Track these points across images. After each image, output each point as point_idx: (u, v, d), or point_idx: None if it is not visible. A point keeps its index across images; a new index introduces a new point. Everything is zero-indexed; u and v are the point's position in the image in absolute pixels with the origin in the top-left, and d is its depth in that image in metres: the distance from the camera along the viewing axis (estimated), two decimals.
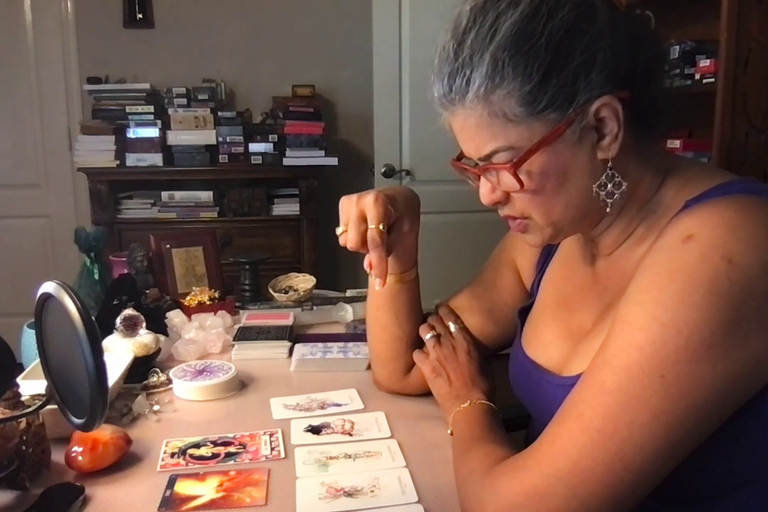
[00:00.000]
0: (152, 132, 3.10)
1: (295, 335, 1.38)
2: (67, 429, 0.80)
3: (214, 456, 0.91)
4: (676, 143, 2.20)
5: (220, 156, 3.13)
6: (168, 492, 0.82)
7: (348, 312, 1.49)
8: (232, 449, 0.93)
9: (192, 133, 3.11)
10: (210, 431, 0.99)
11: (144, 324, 1.23)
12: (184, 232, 2.53)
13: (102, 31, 3.30)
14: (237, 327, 1.41)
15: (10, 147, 3.36)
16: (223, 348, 1.34)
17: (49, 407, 0.75)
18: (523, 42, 0.67)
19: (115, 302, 1.34)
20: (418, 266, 1.05)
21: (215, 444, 0.94)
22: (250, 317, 1.47)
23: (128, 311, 1.23)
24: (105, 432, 0.87)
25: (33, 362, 1.09)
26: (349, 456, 0.90)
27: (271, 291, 1.63)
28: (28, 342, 1.22)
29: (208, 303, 1.51)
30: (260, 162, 3.16)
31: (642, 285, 0.67)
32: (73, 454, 0.85)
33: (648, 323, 0.64)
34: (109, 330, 1.21)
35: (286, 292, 1.62)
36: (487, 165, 0.74)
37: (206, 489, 0.83)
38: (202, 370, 1.16)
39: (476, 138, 0.73)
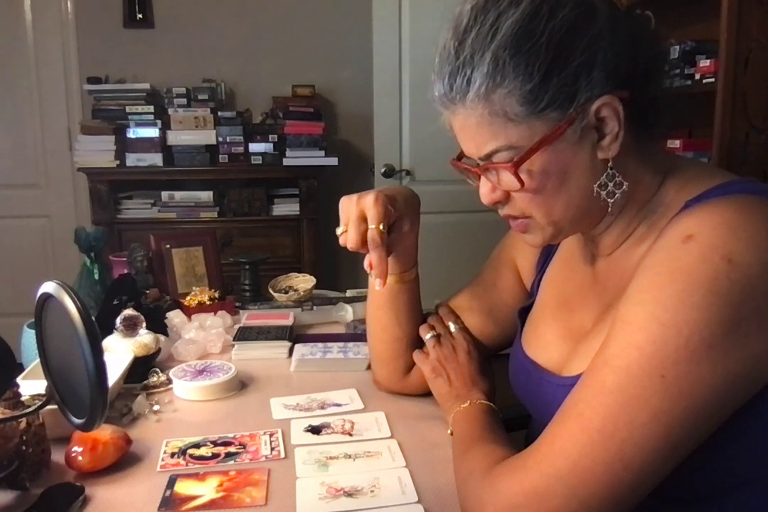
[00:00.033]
0: (152, 132, 3.10)
1: (295, 335, 1.38)
2: (67, 429, 0.80)
3: (214, 456, 0.91)
4: (676, 143, 2.20)
5: (220, 156, 3.13)
6: (168, 492, 0.82)
7: (348, 312, 1.49)
8: (232, 449, 0.93)
9: (192, 133, 3.11)
10: (210, 431, 0.99)
11: (144, 324, 1.23)
12: (184, 232, 2.53)
13: (102, 31, 3.31)
14: (237, 327, 1.41)
15: (10, 147, 3.36)
16: (223, 348, 1.34)
17: (49, 407, 0.75)
18: (524, 41, 0.67)
19: (115, 302, 1.34)
20: (418, 266, 1.05)
21: (215, 444, 0.94)
22: (250, 317, 1.47)
23: (128, 311, 1.23)
24: (105, 432, 0.87)
25: (33, 362, 1.09)
26: (349, 456, 0.90)
27: (271, 291, 1.63)
28: (28, 342, 1.22)
29: (208, 303, 1.51)
30: (260, 162, 3.16)
31: (642, 285, 0.67)
32: (73, 454, 0.85)
33: (648, 323, 0.64)
34: (109, 330, 1.21)
35: (286, 292, 1.62)
36: (488, 164, 0.74)
37: (206, 489, 0.83)
38: (202, 370, 1.16)
39: (477, 137, 0.73)
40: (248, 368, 1.23)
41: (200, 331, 1.35)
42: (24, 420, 0.82)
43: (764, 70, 1.89)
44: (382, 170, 3.24)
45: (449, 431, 0.91)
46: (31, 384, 0.92)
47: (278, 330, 1.36)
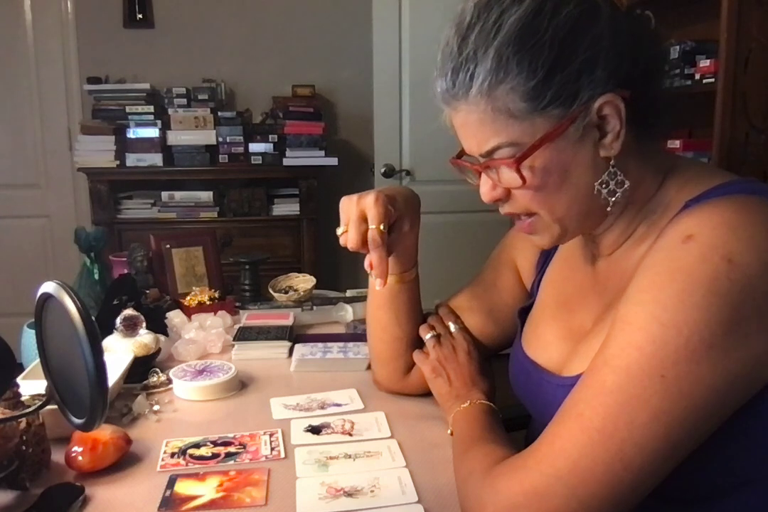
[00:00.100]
0: (152, 132, 3.10)
1: (295, 335, 1.38)
2: (67, 429, 0.80)
3: (214, 456, 0.91)
4: (676, 143, 2.20)
5: (220, 156, 3.13)
6: (168, 492, 0.82)
7: (348, 312, 1.49)
8: (232, 449, 0.93)
9: (192, 133, 3.11)
10: (210, 431, 0.99)
11: (144, 324, 1.23)
12: (184, 232, 2.53)
13: (102, 31, 3.31)
14: (237, 327, 1.41)
15: (10, 147, 3.36)
16: (223, 348, 1.34)
17: (49, 407, 0.75)
18: (527, 38, 0.67)
19: (115, 302, 1.34)
20: (418, 266, 1.05)
21: (215, 444, 0.94)
22: (250, 317, 1.47)
23: (128, 311, 1.23)
24: (105, 432, 0.87)
25: (33, 362, 1.09)
26: (349, 456, 0.90)
27: (271, 291, 1.63)
28: (28, 342, 1.22)
29: (208, 303, 1.51)
30: (260, 162, 3.16)
31: (642, 285, 0.67)
32: (73, 454, 0.85)
33: (648, 323, 0.64)
34: (109, 330, 1.21)
35: (286, 292, 1.62)
36: (489, 161, 0.74)
37: (206, 489, 0.83)
38: (202, 370, 1.16)
39: (479, 134, 0.73)
40: (248, 368, 1.23)
41: (200, 331, 1.35)
42: (24, 420, 0.82)
43: (764, 70, 1.89)
44: (382, 170, 3.24)
45: (449, 431, 0.91)
46: (31, 384, 0.92)
47: (278, 330, 1.36)
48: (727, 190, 0.70)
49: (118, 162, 3.07)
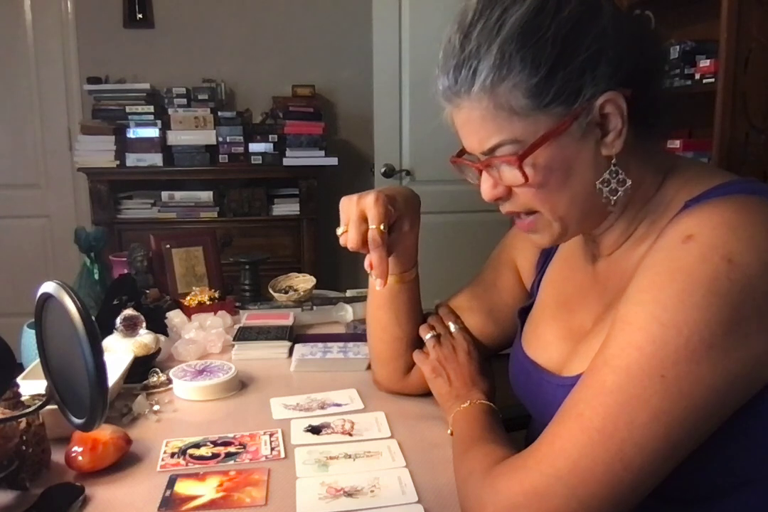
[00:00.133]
0: (152, 132, 3.10)
1: (295, 335, 1.38)
2: (67, 429, 0.80)
3: (214, 456, 0.91)
4: (676, 143, 2.20)
5: (220, 156, 3.13)
6: (168, 492, 0.82)
7: (348, 312, 1.49)
8: (232, 449, 0.93)
9: (192, 133, 3.11)
10: (210, 431, 0.99)
11: (144, 324, 1.23)
12: (184, 232, 2.53)
13: (102, 31, 3.31)
14: (237, 327, 1.41)
15: (10, 147, 3.36)
16: (223, 348, 1.34)
17: (49, 407, 0.75)
18: (530, 35, 0.68)
19: (115, 302, 1.34)
20: (418, 266, 1.05)
21: (215, 444, 0.94)
22: (250, 317, 1.47)
23: (128, 311, 1.23)
24: (105, 432, 0.87)
25: (33, 362, 1.09)
26: (349, 456, 0.90)
27: (271, 291, 1.63)
28: (28, 342, 1.22)
29: (208, 303, 1.51)
30: (260, 162, 3.16)
31: (642, 285, 0.67)
32: (73, 454, 0.85)
33: (648, 323, 0.64)
34: (109, 330, 1.21)
35: (286, 292, 1.62)
36: (491, 159, 0.74)
37: (206, 489, 0.83)
38: (202, 370, 1.16)
39: (481, 131, 0.72)
40: (248, 368, 1.23)
41: (200, 331, 1.35)
42: (24, 420, 0.82)
43: (764, 70, 1.89)
44: (382, 170, 3.24)
45: (449, 431, 0.91)
46: (31, 384, 0.92)
47: (278, 330, 1.36)
48: (727, 190, 0.70)
49: (118, 162, 3.07)
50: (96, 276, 1.54)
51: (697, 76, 2.12)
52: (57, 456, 0.88)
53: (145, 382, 1.15)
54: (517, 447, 0.77)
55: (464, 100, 0.72)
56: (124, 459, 0.89)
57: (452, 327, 1.04)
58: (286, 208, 3.20)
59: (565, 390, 0.71)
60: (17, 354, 0.88)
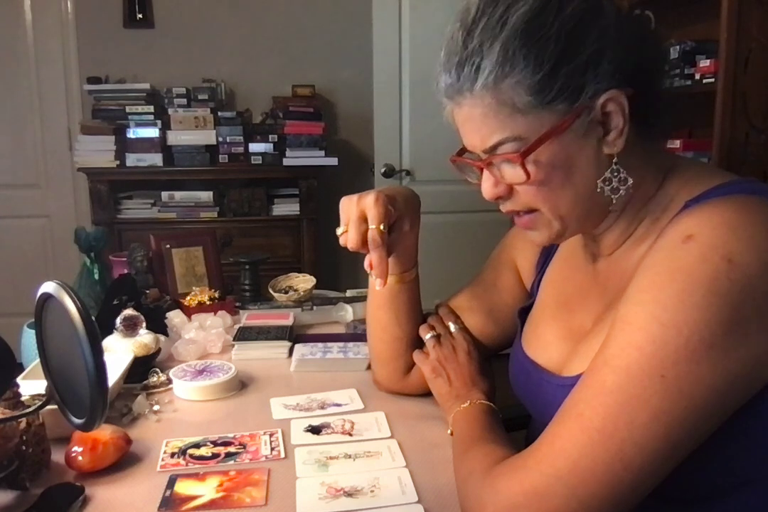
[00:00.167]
0: (152, 132, 3.10)
1: (295, 335, 1.38)
2: (67, 429, 0.80)
3: (214, 456, 0.91)
4: (676, 143, 2.20)
5: (220, 156, 3.13)
6: (168, 492, 0.82)
7: (348, 312, 1.49)
8: (232, 449, 0.93)
9: (192, 133, 3.11)
10: (210, 431, 0.99)
11: (144, 324, 1.23)
12: (184, 231, 2.54)
13: (102, 31, 3.31)
14: (237, 327, 1.41)
15: (10, 147, 3.36)
16: (223, 348, 1.34)
17: (49, 407, 0.75)
18: (534, 32, 0.68)
19: (115, 302, 1.34)
20: (418, 266, 1.05)
21: (215, 444, 0.94)
22: (250, 317, 1.47)
23: (128, 311, 1.23)
24: (105, 432, 0.87)
25: (33, 362, 1.09)
26: (349, 456, 0.90)
27: (271, 291, 1.63)
28: (28, 342, 1.22)
29: (208, 303, 1.51)
30: (260, 162, 3.16)
31: (642, 285, 0.67)
32: (73, 454, 0.85)
33: (648, 323, 0.64)
34: (109, 330, 1.21)
35: (286, 292, 1.62)
36: (493, 156, 0.73)
37: (206, 489, 0.83)
38: (202, 370, 1.16)
39: (483, 128, 0.72)
40: (248, 368, 1.23)
41: (200, 331, 1.35)
42: (24, 420, 0.82)
43: (764, 70, 1.89)
44: (382, 170, 3.24)
45: (449, 431, 0.91)
46: (31, 384, 0.92)
47: (278, 330, 1.36)
48: (727, 190, 0.70)
49: (118, 162, 3.07)
50: (96, 276, 1.54)
51: (697, 76, 2.12)
52: (57, 456, 0.88)
53: (145, 382, 1.15)
54: (517, 447, 0.77)
55: (466, 97, 0.72)
56: (124, 459, 0.89)
57: (452, 327, 1.04)
58: (286, 208, 3.20)
59: (565, 390, 0.71)
60: (17, 354, 0.88)
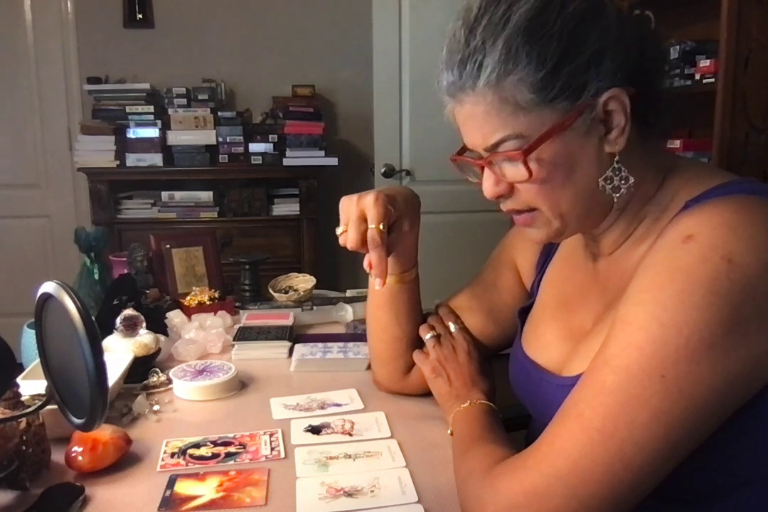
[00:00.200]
0: (152, 132, 3.10)
1: (295, 335, 1.38)
2: (67, 429, 0.80)
3: (214, 456, 0.91)
4: (676, 143, 2.20)
5: (220, 156, 3.13)
6: (168, 492, 0.82)
7: (348, 312, 1.49)
8: (232, 449, 0.93)
9: (192, 133, 3.11)
10: (210, 431, 0.99)
11: (144, 324, 1.23)
12: (184, 231, 2.54)
13: (102, 31, 3.31)
14: (237, 327, 1.41)
15: (10, 147, 3.36)
16: (223, 348, 1.34)
17: (49, 407, 0.75)
18: (536, 29, 0.68)
19: (115, 302, 1.34)
20: (418, 266, 1.05)
21: (215, 444, 0.94)
22: (250, 317, 1.47)
23: (128, 311, 1.23)
24: (105, 432, 0.87)
25: (33, 362, 1.09)
26: (349, 456, 0.90)
27: (271, 291, 1.63)
28: (28, 342, 1.22)
29: (208, 303, 1.51)
30: (260, 162, 3.16)
31: (642, 285, 0.67)
32: (73, 454, 0.85)
33: (648, 323, 0.64)
34: (109, 330, 1.21)
35: (286, 292, 1.62)
36: (494, 155, 0.73)
37: (206, 489, 0.83)
38: (202, 370, 1.16)
39: (485, 126, 0.72)
40: (248, 368, 1.23)
41: (200, 331, 1.35)
42: (24, 420, 0.82)
43: (764, 70, 1.89)
44: (382, 170, 3.24)
45: (449, 431, 0.91)
46: (31, 384, 0.92)
47: (278, 330, 1.36)
48: (727, 190, 0.71)
49: (118, 162, 3.07)
50: (96, 276, 1.54)
51: (697, 76, 2.12)
52: (57, 456, 0.88)
53: (145, 382, 1.15)
54: (517, 447, 0.77)
55: (468, 95, 0.72)
56: (124, 459, 0.89)
57: (452, 327, 1.04)
58: (286, 208, 3.20)
59: (565, 390, 0.71)
60: (17, 354, 0.88)
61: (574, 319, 0.86)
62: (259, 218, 3.15)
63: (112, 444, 0.87)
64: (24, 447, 0.82)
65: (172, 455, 0.91)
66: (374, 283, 0.92)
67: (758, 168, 1.95)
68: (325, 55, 3.39)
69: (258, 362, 1.28)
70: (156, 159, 3.09)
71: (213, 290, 1.55)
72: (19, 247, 3.38)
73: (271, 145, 3.15)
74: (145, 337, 1.21)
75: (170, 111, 3.12)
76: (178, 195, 3.13)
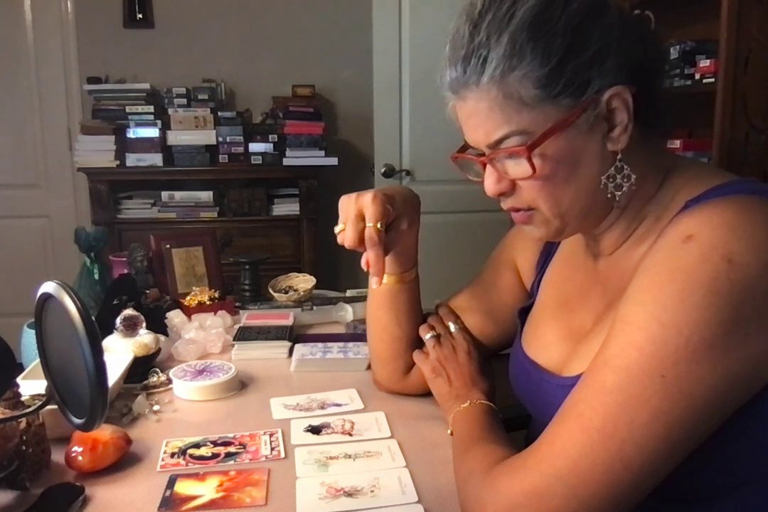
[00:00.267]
0: (152, 132, 3.10)
1: (295, 335, 1.38)
2: (67, 429, 0.80)
3: (214, 456, 0.91)
4: (676, 143, 2.20)
5: (220, 156, 3.13)
6: (168, 492, 0.82)
7: (348, 312, 1.49)
8: (232, 449, 0.93)
9: (192, 133, 3.11)
10: (210, 431, 0.99)
11: (144, 324, 1.23)
12: (184, 231, 2.53)
13: (102, 31, 3.31)
14: (237, 327, 1.41)
15: (10, 147, 3.36)
16: (223, 348, 1.34)
17: (49, 407, 0.75)
18: (541, 25, 0.68)
19: (115, 302, 1.34)
20: (418, 266, 1.05)
21: (215, 444, 0.94)
22: (250, 317, 1.47)
23: (128, 311, 1.23)
24: (105, 432, 0.87)
25: (33, 362, 1.09)
26: (349, 456, 0.90)
27: (271, 291, 1.63)
28: (28, 342, 1.22)
29: (208, 303, 1.51)
30: (260, 162, 3.16)
31: (642, 285, 0.67)
32: (73, 454, 0.85)
33: (648, 323, 0.64)
34: (109, 330, 1.21)
35: (286, 292, 1.62)
36: (497, 151, 0.73)
37: (206, 489, 0.83)
38: (202, 370, 1.16)
39: (488, 122, 0.72)
40: (248, 368, 1.23)
41: (200, 331, 1.35)
42: (24, 420, 0.82)
43: (764, 70, 1.89)
44: (382, 170, 3.24)
45: (449, 431, 0.91)
46: (31, 384, 0.92)
47: (278, 330, 1.36)
48: (727, 190, 0.71)
49: (118, 162, 3.07)
50: (96, 276, 1.54)
51: (697, 76, 2.12)
52: (57, 456, 0.88)
53: (145, 382, 1.15)
54: (517, 447, 0.77)
55: (472, 90, 0.72)
56: (124, 459, 0.89)
57: (452, 327, 1.04)
58: (286, 208, 3.20)
59: (565, 390, 0.71)
60: (17, 354, 0.88)
61: (574, 319, 0.86)
62: (259, 218, 3.15)
63: (112, 444, 0.87)
64: (24, 447, 0.82)
65: (172, 455, 0.91)
66: (371, 282, 0.92)
67: (758, 168, 1.94)
68: (325, 55, 3.39)
69: (258, 362, 1.28)
70: (156, 159, 3.09)
71: (213, 290, 1.55)
72: (19, 247, 3.38)
73: (271, 145, 3.15)
74: (145, 337, 1.21)
75: (170, 111, 3.12)
76: (178, 195, 3.13)
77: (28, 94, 3.34)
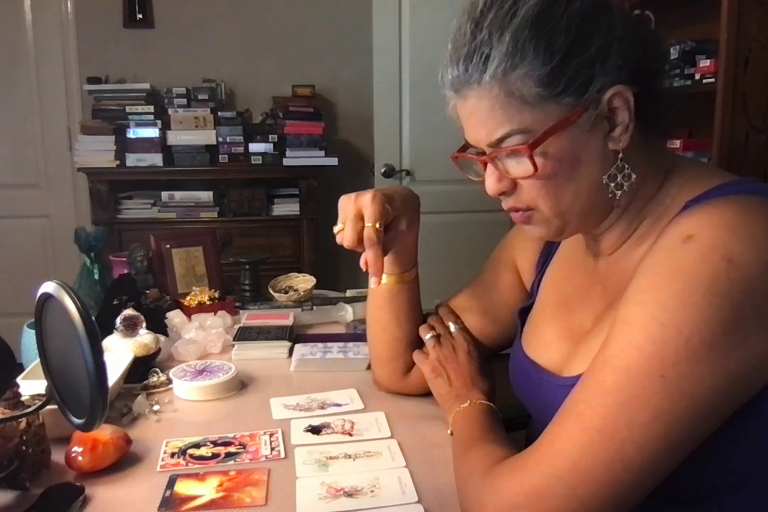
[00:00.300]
0: (152, 132, 3.10)
1: (295, 335, 1.38)
2: (67, 429, 0.80)
3: (214, 456, 0.91)
4: (676, 143, 2.19)
5: (220, 156, 3.13)
6: (168, 492, 0.82)
7: (348, 312, 1.49)
8: (232, 449, 0.93)
9: (192, 133, 3.11)
10: (210, 431, 0.99)
11: (144, 324, 1.23)
12: (184, 232, 2.53)
13: (102, 31, 3.31)
14: (237, 327, 1.41)
15: (10, 147, 3.36)
16: (223, 348, 1.34)
17: (49, 407, 0.75)
18: (543, 23, 0.68)
19: (115, 302, 1.34)
20: (418, 266, 1.05)
21: (215, 444, 0.94)
22: (250, 317, 1.47)
23: (128, 311, 1.23)
24: (105, 432, 0.87)
25: (33, 362, 1.09)
26: (349, 456, 0.90)
27: (271, 291, 1.63)
28: (28, 342, 1.22)
29: (208, 303, 1.51)
30: (260, 162, 3.16)
31: (642, 285, 0.67)
32: (73, 454, 0.85)
33: (648, 323, 0.64)
34: (109, 330, 1.21)
35: (286, 292, 1.62)
36: (498, 150, 0.73)
37: (206, 489, 0.83)
38: (202, 370, 1.16)
39: (489, 121, 0.72)
40: (248, 368, 1.23)
41: (200, 331, 1.35)
42: (24, 420, 0.82)
43: (764, 70, 1.89)
44: (382, 170, 3.24)
45: (449, 431, 0.91)
46: (31, 384, 0.92)
47: (278, 330, 1.36)
48: (727, 190, 0.71)
49: (118, 162, 3.07)
50: (96, 276, 1.54)
51: (697, 76, 2.12)
52: (57, 456, 0.88)
53: (145, 382, 1.15)
54: (517, 447, 0.77)
55: (473, 89, 0.72)
56: (124, 459, 0.89)
57: (452, 327, 1.04)
58: (286, 208, 3.20)
59: (565, 390, 0.71)
60: (17, 354, 0.88)
61: (574, 319, 0.86)
62: (259, 218, 3.15)
63: (112, 444, 0.87)
64: (24, 447, 0.82)
65: (172, 455, 0.91)
66: (370, 282, 0.92)
67: (758, 168, 1.95)
68: (325, 55, 3.39)
69: (258, 362, 1.28)
70: (156, 159, 3.09)
71: (213, 290, 1.55)
72: (19, 247, 3.38)
73: (271, 145, 3.15)
74: (145, 337, 1.21)
75: (170, 111, 3.12)
76: (178, 195, 3.13)
77: (28, 94, 3.34)
